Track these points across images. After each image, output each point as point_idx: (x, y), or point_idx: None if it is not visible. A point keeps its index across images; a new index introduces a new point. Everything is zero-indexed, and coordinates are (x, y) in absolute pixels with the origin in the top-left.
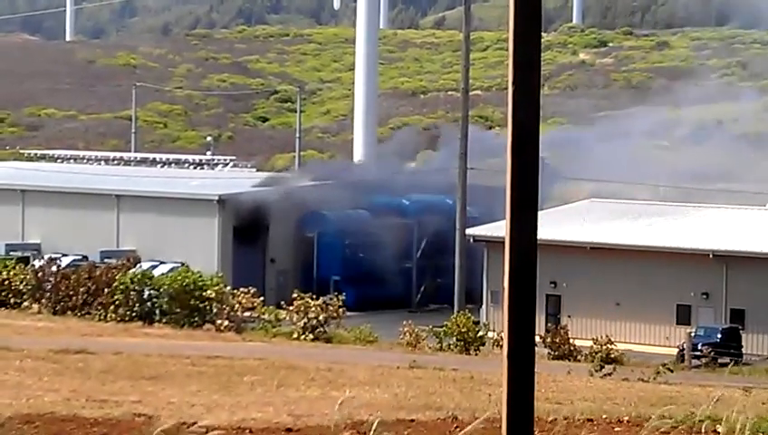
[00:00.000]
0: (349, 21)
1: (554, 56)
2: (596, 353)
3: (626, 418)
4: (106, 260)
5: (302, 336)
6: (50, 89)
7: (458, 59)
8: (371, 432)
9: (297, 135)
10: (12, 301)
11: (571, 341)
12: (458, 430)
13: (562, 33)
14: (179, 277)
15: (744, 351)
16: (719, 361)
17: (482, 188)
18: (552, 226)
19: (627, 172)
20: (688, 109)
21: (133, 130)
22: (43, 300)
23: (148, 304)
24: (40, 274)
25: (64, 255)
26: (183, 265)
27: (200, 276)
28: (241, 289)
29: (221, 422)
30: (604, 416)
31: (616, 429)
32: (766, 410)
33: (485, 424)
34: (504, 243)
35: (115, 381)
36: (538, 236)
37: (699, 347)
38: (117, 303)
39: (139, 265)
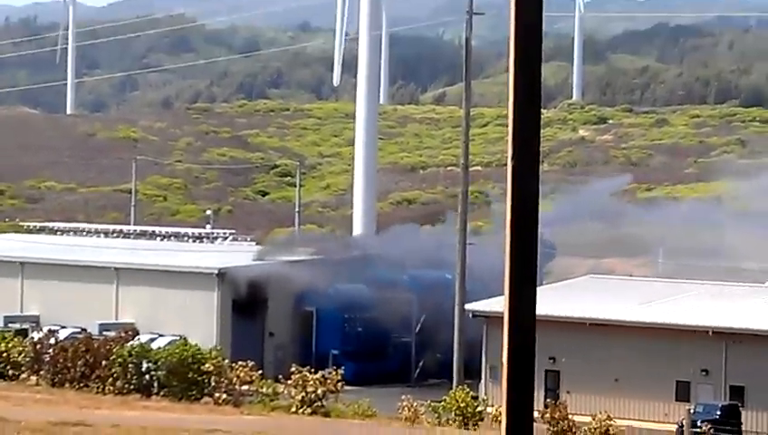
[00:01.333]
0: (349, 96)
1: (554, 133)
2: (595, 430)
3: None
4: (104, 333)
5: (301, 410)
6: (50, 162)
7: (458, 134)
8: None
9: (297, 209)
10: (10, 373)
11: (569, 417)
12: None
13: (562, 109)
14: (178, 350)
15: (743, 428)
16: None
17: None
18: (550, 301)
19: (626, 249)
20: (687, 186)
21: (133, 203)
22: (42, 372)
23: (147, 376)
24: (38, 346)
25: (63, 327)
26: (181, 338)
27: (199, 349)
28: (239, 362)
29: None
30: None
31: None
32: None
33: None
34: (502, 318)
35: None
36: (537, 312)
37: (699, 424)
38: (115, 375)
39: (137, 338)
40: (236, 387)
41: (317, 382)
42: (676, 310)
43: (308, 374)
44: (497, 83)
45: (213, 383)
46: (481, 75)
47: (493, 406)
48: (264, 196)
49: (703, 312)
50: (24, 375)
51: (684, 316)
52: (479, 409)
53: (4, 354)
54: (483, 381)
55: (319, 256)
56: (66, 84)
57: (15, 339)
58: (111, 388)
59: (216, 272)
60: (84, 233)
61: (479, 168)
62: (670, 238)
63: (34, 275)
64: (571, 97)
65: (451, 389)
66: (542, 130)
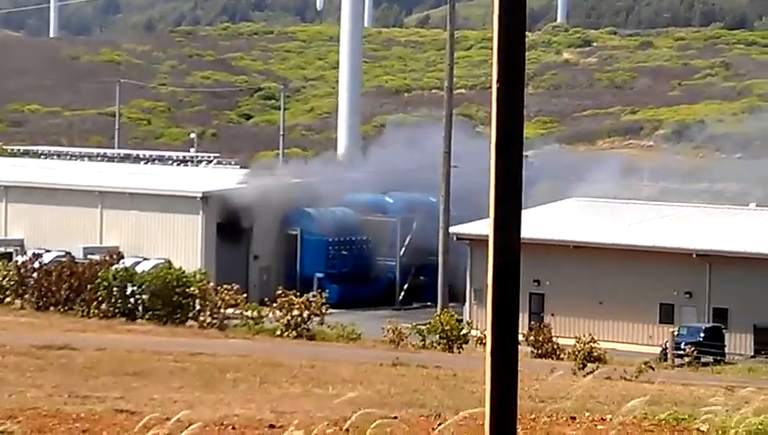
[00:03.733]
0: (333, 18)
1: (538, 55)
2: (579, 352)
3: (608, 416)
4: (89, 256)
5: (285, 333)
6: (33, 85)
7: (442, 57)
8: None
9: (281, 132)
10: None
11: (554, 339)
12: (441, 426)
13: (547, 32)
14: (162, 274)
15: (726, 350)
16: (702, 360)
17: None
18: (535, 225)
19: (609, 171)
20: (671, 109)
21: (117, 127)
22: (26, 296)
23: (131, 300)
24: (22, 270)
25: (47, 251)
26: (166, 261)
27: (183, 273)
28: (224, 286)
29: (204, 418)
30: (587, 414)
31: (599, 426)
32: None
33: (469, 422)
34: (487, 241)
35: (98, 377)
36: (521, 235)
37: (682, 346)
38: (100, 299)
39: (122, 262)
40: (221, 310)
41: (302, 306)
42: (660, 232)
43: (293, 297)
44: (481, 6)
45: (198, 307)
46: None
47: (477, 329)
48: (248, 119)
49: (687, 234)
50: (8, 299)
51: (668, 239)
52: (464, 332)
53: None
54: (467, 304)
55: (303, 178)
56: (49, 7)
57: (0, 263)
58: (96, 311)
59: (201, 195)
60: (68, 156)
61: (463, 91)
62: (654, 161)
63: (18, 198)
64: (556, 19)
65: (436, 312)
66: (526, 53)
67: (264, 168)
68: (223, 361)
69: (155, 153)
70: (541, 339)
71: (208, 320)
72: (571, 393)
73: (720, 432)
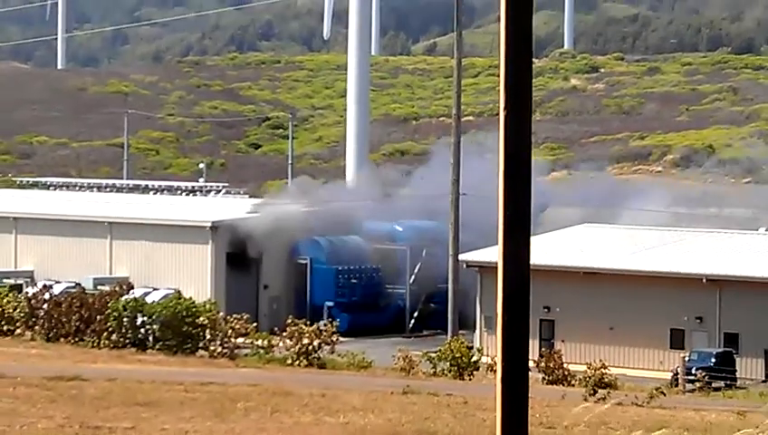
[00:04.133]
0: (340, 47)
1: (546, 82)
2: (590, 378)
3: None
4: (99, 287)
5: (296, 362)
6: (42, 117)
7: (450, 85)
8: None
9: (289, 162)
10: (5, 328)
11: (564, 365)
12: None
13: (554, 58)
14: (172, 304)
15: (737, 375)
16: (713, 385)
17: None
18: (545, 251)
19: (619, 197)
20: (680, 134)
21: (125, 158)
22: (37, 327)
23: (142, 330)
24: (33, 301)
25: (57, 282)
26: (176, 291)
27: (193, 303)
28: (234, 315)
29: None
30: None
31: None
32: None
33: None
34: (496, 268)
35: (108, 407)
36: (531, 261)
37: (693, 371)
38: (110, 330)
39: (131, 292)
40: (231, 340)
41: (312, 334)
42: (670, 257)
43: (303, 326)
44: (488, 33)
45: (208, 336)
46: (472, 25)
47: (488, 356)
48: (256, 148)
49: (696, 259)
50: (18, 330)
51: (678, 264)
52: (474, 359)
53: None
54: (477, 331)
55: (313, 207)
56: (57, 39)
57: (10, 294)
58: (107, 342)
59: (210, 225)
60: (77, 188)
61: (471, 118)
62: (664, 186)
63: (28, 230)
64: (563, 46)
65: (446, 339)
66: (533, 80)
67: (276, 198)
68: (233, 390)
69: (164, 183)
70: (551, 365)
71: (219, 350)
72: (583, 420)
73: None
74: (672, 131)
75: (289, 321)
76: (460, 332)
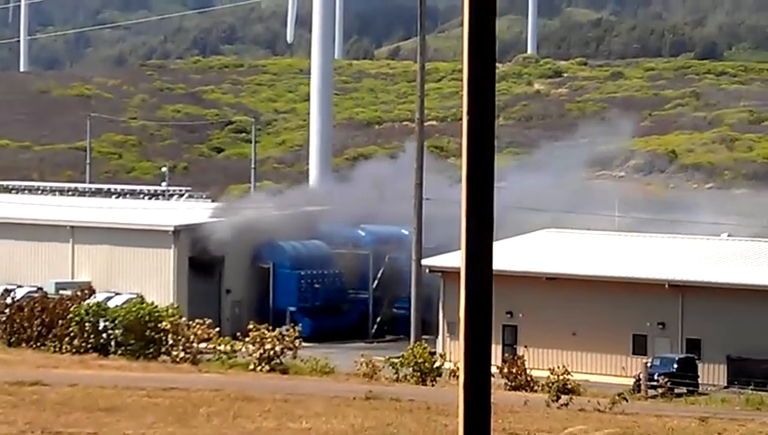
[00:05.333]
0: (304, 51)
1: (509, 86)
2: (553, 384)
3: None
4: (61, 291)
5: (258, 367)
6: (4, 120)
7: (413, 89)
8: None
9: (252, 166)
10: None
11: (527, 371)
12: None
13: (517, 63)
14: (134, 309)
15: (700, 380)
16: (675, 390)
17: (438, 219)
18: (508, 256)
19: (582, 202)
20: (642, 139)
21: (88, 161)
22: None
23: (104, 335)
24: None
25: (19, 286)
26: (138, 296)
27: (155, 308)
28: (197, 320)
29: None
30: None
31: None
32: None
33: None
34: (459, 273)
35: (70, 413)
36: (494, 267)
37: (655, 377)
38: (72, 334)
39: (93, 297)
40: (194, 345)
41: (275, 339)
42: (633, 263)
43: (265, 331)
44: (452, 38)
45: (170, 341)
46: (435, 30)
47: (450, 361)
48: (219, 152)
49: (659, 265)
50: None
51: (640, 269)
52: (437, 364)
53: None
54: (440, 336)
55: (275, 211)
56: (19, 41)
57: None
58: (68, 347)
59: (173, 229)
60: (39, 191)
61: (434, 122)
62: (626, 192)
63: None
64: (526, 51)
65: (409, 344)
66: (497, 85)
67: (235, 201)
68: (196, 395)
69: (126, 187)
70: (514, 371)
71: (181, 355)
72: (545, 426)
73: None
74: (635, 137)
75: (251, 326)
76: (423, 337)
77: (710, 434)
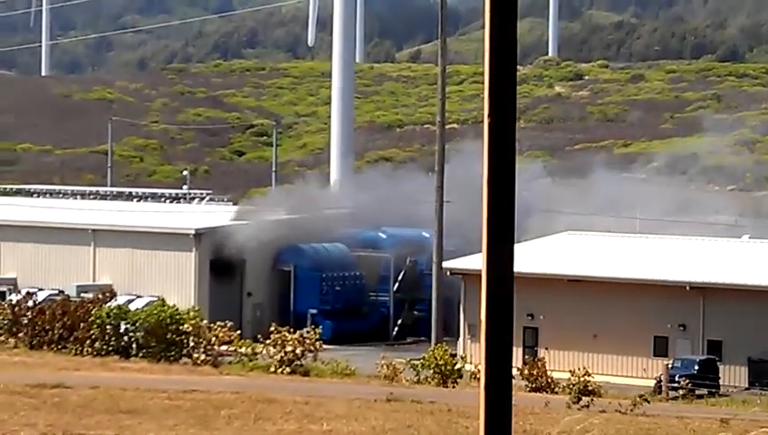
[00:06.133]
0: (325, 54)
1: (530, 89)
2: (573, 385)
3: None
4: (82, 294)
5: (279, 370)
6: (25, 124)
7: (434, 92)
8: None
9: (273, 169)
10: None
11: (548, 373)
12: None
13: (538, 66)
14: (155, 311)
15: (721, 382)
16: (696, 392)
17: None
18: (528, 258)
19: (603, 205)
20: (664, 141)
21: (109, 165)
22: (20, 335)
23: (125, 338)
24: (16, 308)
25: (40, 289)
26: (159, 299)
27: (176, 310)
28: (218, 323)
29: None
30: None
31: None
32: None
33: None
34: (480, 276)
35: (92, 415)
36: (515, 269)
37: (677, 378)
38: (93, 337)
39: (115, 300)
40: (215, 347)
41: (296, 342)
42: (654, 265)
43: (286, 334)
44: (473, 40)
45: (191, 344)
46: (457, 33)
47: (471, 363)
48: (240, 156)
49: (680, 267)
50: (1, 338)
51: (661, 271)
52: (458, 366)
53: None
54: (461, 338)
55: (296, 214)
56: (41, 46)
57: None
58: (90, 350)
59: (194, 232)
60: (60, 195)
61: (455, 125)
62: (647, 194)
63: (11, 237)
64: (547, 53)
65: (430, 347)
66: (518, 87)
67: (256, 204)
68: (217, 398)
69: (147, 190)
70: (535, 373)
71: (202, 357)
72: (566, 427)
73: None
74: (656, 139)
75: (272, 328)
76: (444, 339)
77: None
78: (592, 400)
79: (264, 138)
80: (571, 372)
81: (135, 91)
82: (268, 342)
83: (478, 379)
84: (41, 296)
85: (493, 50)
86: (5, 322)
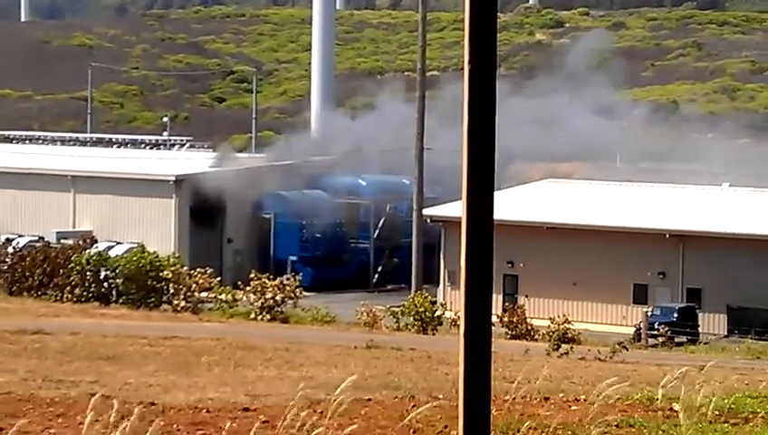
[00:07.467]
0: (305, 1)
1: (511, 36)
2: (553, 333)
3: (582, 396)
4: (62, 241)
5: (259, 316)
6: (4, 70)
7: (415, 39)
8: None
9: (253, 116)
10: None
11: (528, 320)
12: (415, 408)
13: (519, 13)
14: (135, 258)
15: (700, 330)
16: (676, 340)
17: (439, 168)
18: (508, 206)
19: (583, 152)
20: (644, 89)
21: (89, 111)
22: (0, 281)
23: (105, 284)
24: None
25: (20, 235)
26: (139, 245)
27: (157, 257)
28: (198, 269)
29: (178, 402)
30: (561, 395)
31: (572, 407)
32: (722, 388)
33: (443, 402)
34: (460, 223)
35: (72, 361)
36: (495, 216)
37: (656, 326)
38: (73, 283)
39: (95, 246)
40: (195, 294)
41: (276, 289)
42: (634, 213)
43: (266, 281)
44: None
45: (171, 290)
46: None
47: (451, 310)
48: (220, 102)
49: (660, 214)
50: None
51: (641, 219)
52: (438, 313)
53: None
54: (441, 285)
55: (276, 161)
56: None
57: None
58: (70, 296)
59: (174, 179)
60: (40, 141)
61: (436, 72)
62: (627, 141)
63: None
64: (528, 1)
65: (409, 294)
66: (498, 35)
67: (235, 150)
68: (197, 344)
69: (128, 137)
70: (515, 320)
71: (182, 304)
72: (545, 374)
73: (692, 410)
74: (637, 87)
75: (252, 275)
76: (424, 286)
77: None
78: (572, 347)
79: (245, 84)
80: (550, 319)
81: (115, 37)
82: (248, 288)
83: (458, 326)
84: (21, 243)
85: None
86: None
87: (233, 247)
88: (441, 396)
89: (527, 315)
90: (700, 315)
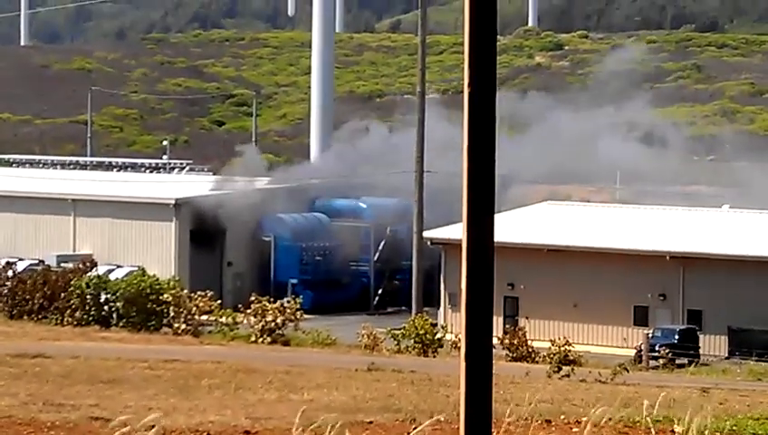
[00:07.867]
0: (305, 25)
1: (510, 59)
2: (554, 355)
3: (584, 418)
4: (62, 264)
5: (260, 339)
6: (5, 94)
7: (414, 62)
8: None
9: (253, 139)
10: None
11: (528, 342)
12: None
13: (518, 36)
14: (136, 281)
15: (701, 351)
16: (677, 361)
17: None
18: (509, 228)
19: (583, 175)
20: (643, 111)
21: (89, 135)
22: (0, 305)
23: (105, 308)
24: None
25: (20, 259)
26: (139, 268)
27: (157, 280)
28: (198, 292)
29: (179, 426)
30: (562, 417)
31: (574, 429)
32: (723, 410)
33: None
34: (461, 245)
35: (72, 385)
36: (495, 239)
37: (657, 348)
38: (73, 307)
39: (95, 270)
40: (195, 317)
41: (276, 311)
42: (634, 235)
43: (267, 303)
44: (453, 10)
45: (172, 314)
46: (437, 2)
47: (452, 333)
48: (220, 126)
49: (660, 236)
50: None
51: (641, 241)
52: (438, 335)
53: None
54: (442, 308)
55: (276, 184)
56: (20, 16)
57: None
58: (70, 319)
59: (174, 202)
60: (40, 165)
61: (436, 95)
62: (627, 164)
63: None
64: (527, 23)
65: (410, 316)
66: (498, 57)
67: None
68: (197, 367)
69: (127, 160)
70: (515, 342)
71: (183, 327)
72: (547, 397)
73: (693, 432)
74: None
75: (253, 298)
76: (425, 309)
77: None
78: (573, 369)
79: (244, 108)
80: (551, 341)
81: (114, 61)
82: (249, 311)
83: (459, 348)
84: (21, 267)
85: (473, 20)
86: None
87: (233, 270)
88: (442, 418)
89: (528, 337)
90: (701, 337)
